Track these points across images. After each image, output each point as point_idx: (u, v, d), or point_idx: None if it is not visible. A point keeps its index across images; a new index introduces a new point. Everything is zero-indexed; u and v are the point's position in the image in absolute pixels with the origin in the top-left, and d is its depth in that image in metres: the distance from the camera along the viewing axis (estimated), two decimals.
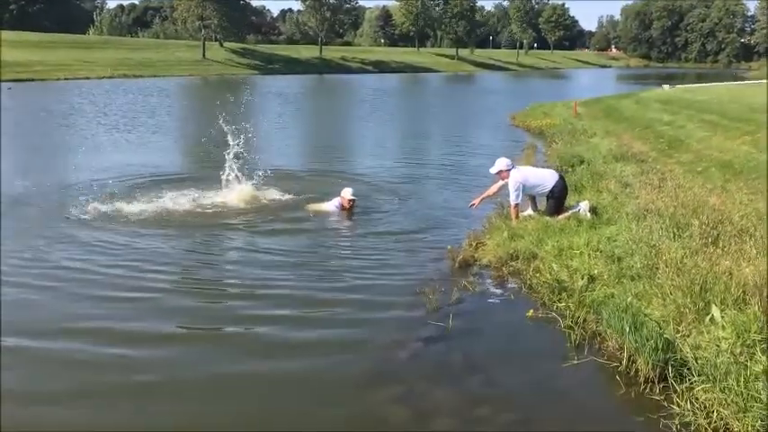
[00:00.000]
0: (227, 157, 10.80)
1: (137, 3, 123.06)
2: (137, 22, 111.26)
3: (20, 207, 10.08)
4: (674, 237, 6.68)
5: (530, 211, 8.83)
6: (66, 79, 49.18)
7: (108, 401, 4.73)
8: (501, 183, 8.86)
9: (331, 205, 10.14)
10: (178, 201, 10.43)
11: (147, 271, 7.33)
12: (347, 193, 10.09)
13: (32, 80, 46.90)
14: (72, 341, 5.65)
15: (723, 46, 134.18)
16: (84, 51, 64.00)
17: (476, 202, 9.17)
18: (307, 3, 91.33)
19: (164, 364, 5.26)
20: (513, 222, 8.40)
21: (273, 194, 10.90)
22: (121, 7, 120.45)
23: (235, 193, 10.61)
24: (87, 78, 50.90)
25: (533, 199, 8.99)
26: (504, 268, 7.25)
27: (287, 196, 10.83)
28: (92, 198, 10.29)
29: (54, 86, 42.38)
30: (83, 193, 10.82)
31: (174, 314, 6.21)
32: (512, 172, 8.63)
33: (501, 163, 8.80)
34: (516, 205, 8.51)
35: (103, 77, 52.60)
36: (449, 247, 7.88)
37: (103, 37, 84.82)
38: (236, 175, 10.75)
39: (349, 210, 10.05)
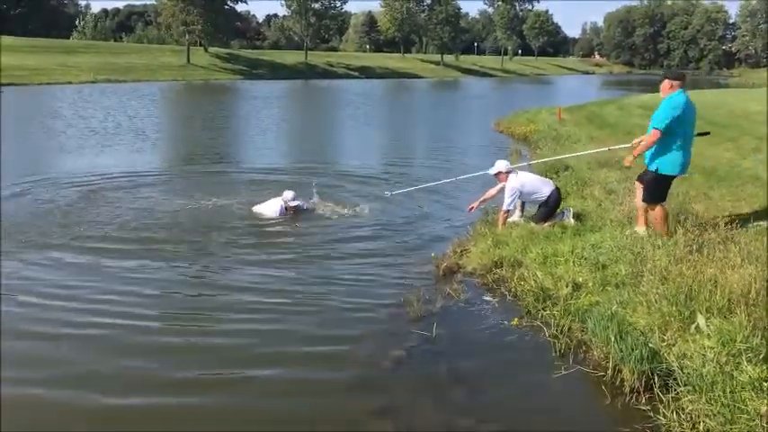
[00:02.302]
0: None
1: (120, 7, 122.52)
2: (120, 27, 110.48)
3: None
4: (658, 244, 6.64)
5: (515, 218, 8.77)
6: (47, 84, 48.70)
7: None
8: (500, 185, 8.76)
9: (275, 207, 10.02)
10: (144, 209, 10.35)
11: (102, 302, 6.61)
12: (288, 196, 10.05)
13: (12, 84, 46.37)
14: (55, 389, 4.96)
15: (705, 53, 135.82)
16: (67, 56, 63.48)
17: (474, 205, 9.10)
18: (292, 8, 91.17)
19: None
20: (498, 228, 8.35)
21: (245, 199, 10.83)
22: (105, 11, 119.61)
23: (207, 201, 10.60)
24: (69, 83, 50.44)
25: (522, 205, 8.93)
26: (488, 276, 7.18)
27: (261, 199, 10.75)
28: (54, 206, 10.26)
29: (34, 91, 41.87)
30: (48, 200, 10.76)
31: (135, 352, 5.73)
32: (510, 176, 8.56)
33: (500, 165, 8.74)
34: (507, 212, 8.45)
35: (86, 82, 52.16)
36: (433, 254, 7.81)
37: (86, 41, 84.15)
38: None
39: (288, 212, 10.06)
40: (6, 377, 5.06)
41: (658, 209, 7.11)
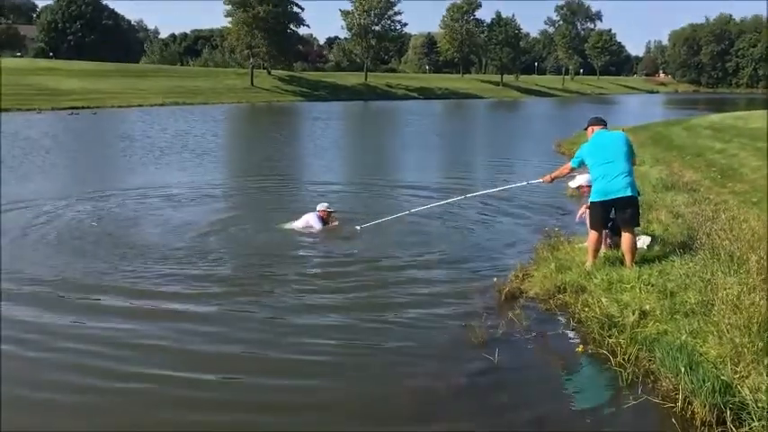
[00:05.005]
0: None
1: (188, 32, 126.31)
2: (188, 51, 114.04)
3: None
4: (729, 272, 6.45)
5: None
6: (119, 107, 50.67)
7: None
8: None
9: (310, 221, 10.50)
10: (190, 228, 10.65)
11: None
12: (322, 206, 10.69)
13: (87, 107, 48.43)
14: None
15: None
16: (137, 80, 65.97)
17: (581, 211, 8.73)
18: (353, 31, 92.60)
19: None
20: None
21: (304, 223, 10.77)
22: (174, 36, 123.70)
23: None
24: (140, 106, 52.42)
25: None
26: (551, 301, 7.07)
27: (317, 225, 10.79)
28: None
29: (107, 114, 43.65)
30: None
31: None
32: None
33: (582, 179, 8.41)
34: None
35: (155, 105, 54.08)
36: (495, 278, 7.75)
37: (155, 65, 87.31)
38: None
39: (329, 221, 10.58)
40: None
41: (592, 234, 7.58)
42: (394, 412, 4.97)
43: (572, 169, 7.92)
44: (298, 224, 10.61)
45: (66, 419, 4.88)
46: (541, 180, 8.49)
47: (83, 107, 48.37)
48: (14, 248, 9.44)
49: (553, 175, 8.25)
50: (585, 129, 7.92)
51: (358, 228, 10.36)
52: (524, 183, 9.81)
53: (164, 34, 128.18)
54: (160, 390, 5.28)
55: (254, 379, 5.50)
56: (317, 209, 10.71)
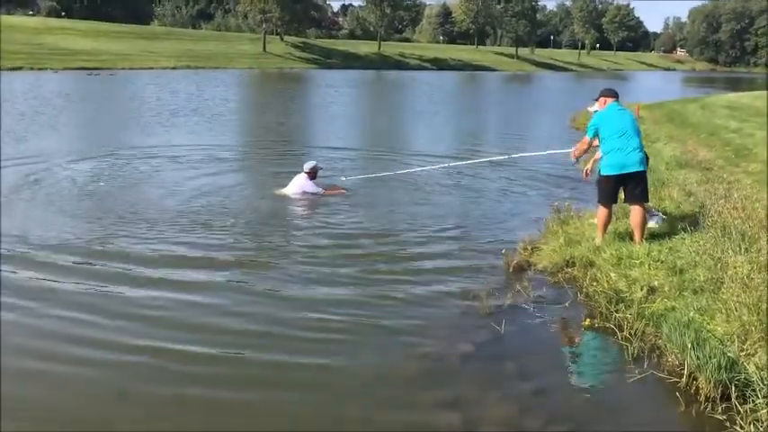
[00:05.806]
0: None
1: None
2: (200, 14, 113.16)
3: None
4: (740, 250, 6.41)
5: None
6: (130, 69, 50.54)
7: None
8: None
9: (306, 187, 10.35)
10: (196, 193, 10.58)
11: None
12: (309, 165, 10.55)
13: (99, 68, 48.36)
14: None
15: None
16: (149, 42, 65.78)
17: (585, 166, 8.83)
18: None
19: None
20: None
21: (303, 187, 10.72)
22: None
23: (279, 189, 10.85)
24: (151, 69, 52.27)
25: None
26: (559, 274, 7.08)
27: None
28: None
29: (118, 76, 43.56)
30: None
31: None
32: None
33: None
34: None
35: (166, 68, 53.92)
36: (503, 250, 7.74)
37: (168, 28, 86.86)
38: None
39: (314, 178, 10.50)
40: None
41: (601, 209, 7.47)
42: (402, 380, 4.99)
43: (590, 142, 7.77)
44: (293, 190, 10.40)
45: (55, 390, 4.70)
46: (569, 153, 8.52)
47: (94, 68, 48.32)
48: (18, 206, 9.56)
49: (576, 153, 8.15)
50: (596, 99, 7.83)
51: (343, 179, 10.93)
52: (506, 156, 10.14)
53: None
54: (156, 363, 5.08)
55: (257, 354, 5.30)
56: (305, 169, 10.46)
